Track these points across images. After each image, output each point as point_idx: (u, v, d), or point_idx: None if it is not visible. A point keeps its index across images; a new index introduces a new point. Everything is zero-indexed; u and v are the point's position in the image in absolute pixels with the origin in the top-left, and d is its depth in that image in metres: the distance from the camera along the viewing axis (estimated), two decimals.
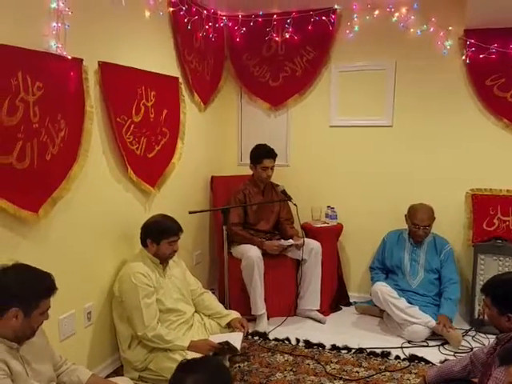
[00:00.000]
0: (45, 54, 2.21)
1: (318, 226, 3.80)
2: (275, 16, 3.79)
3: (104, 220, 2.75)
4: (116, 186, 2.84)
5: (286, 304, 3.64)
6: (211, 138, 4.05)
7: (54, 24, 2.23)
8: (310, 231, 3.79)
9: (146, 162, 3.03)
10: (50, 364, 1.94)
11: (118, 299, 2.71)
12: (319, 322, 3.58)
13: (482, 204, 3.57)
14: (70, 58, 2.31)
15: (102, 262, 2.76)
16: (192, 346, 2.60)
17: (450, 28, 3.44)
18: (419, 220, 3.41)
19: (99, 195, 2.69)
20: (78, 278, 2.57)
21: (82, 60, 2.43)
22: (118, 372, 2.79)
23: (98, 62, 2.58)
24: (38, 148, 2.21)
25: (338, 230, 3.85)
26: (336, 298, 3.85)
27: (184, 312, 2.82)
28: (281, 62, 3.96)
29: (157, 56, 3.16)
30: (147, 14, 2.97)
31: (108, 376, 2.71)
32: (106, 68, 2.62)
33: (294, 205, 3.53)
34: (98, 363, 2.76)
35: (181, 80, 3.42)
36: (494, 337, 2.02)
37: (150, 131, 3.04)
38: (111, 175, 2.79)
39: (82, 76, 2.45)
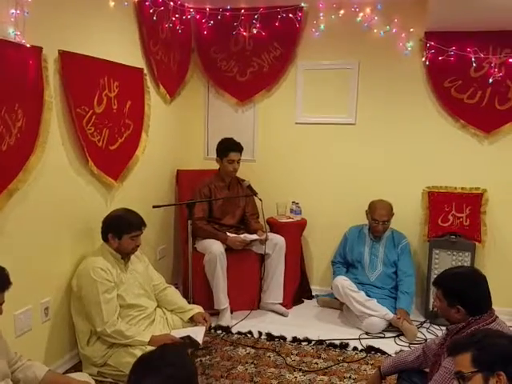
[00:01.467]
0: (2, 41, 2.14)
1: (283, 220, 3.84)
2: (243, 11, 3.78)
3: (63, 213, 2.69)
4: (76, 179, 2.78)
5: (249, 298, 3.68)
6: (177, 132, 4.02)
7: (13, 11, 2.17)
8: (274, 226, 3.83)
9: (108, 155, 2.98)
10: (3, 360, 1.90)
11: (77, 294, 2.67)
12: (282, 315, 3.63)
13: (438, 201, 3.68)
14: (28, 46, 2.25)
15: (60, 256, 2.70)
16: (153, 341, 2.58)
17: (412, 30, 3.53)
18: (378, 215, 3.51)
19: (58, 187, 2.64)
20: (34, 272, 2.51)
21: (41, 48, 2.37)
22: (77, 368, 2.76)
23: (59, 50, 2.51)
24: None
25: (302, 225, 3.90)
26: (298, 291, 3.91)
27: (146, 307, 2.80)
28: (248, 58, 3.97)
29: (121, 46, 3.10)
30: (111, 3, 2.92)
31: (66, 372, 2.67)
32: (66, 57, 2.56)
33: (260, 200, 3.55)
34: (55, 359, 2.72)
35: (146, 71, 3.37)
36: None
37: (112, 123, 2.98)
38: (71, 167, 2.73)
39: (41, 65, 2.38)
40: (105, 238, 2.73)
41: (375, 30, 3.57)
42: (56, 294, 2.70)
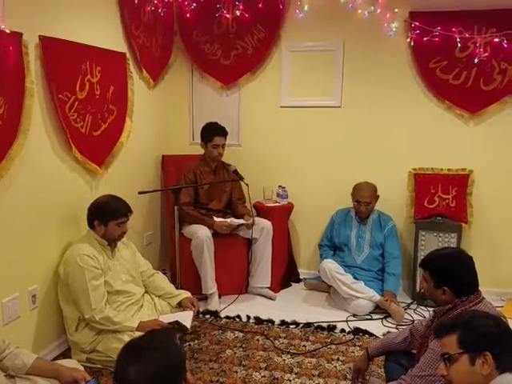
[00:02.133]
0: None
1: (270, 205, 3.84)
2: None
3: (48, 200, 2.66)
4: (60, 166, 2.74)
5: (237, 282, 3.69)
6: (162, 116, 3.97)
7: None
8: (261, 210, 3.83)
9: (92, 141, 2.94)
10: None
11: (64, 281, 2.66)
12: (270, 298, 3.65)
13: (424, 182, 3.70)
14: (8, 31, 2.20)
15: (46, 244, 2.68)
16: (141, 327, 2.59)
17: (396, 10, 3.47)
18: (360, 197, 3.53)
19: (42, 175, 2.60)
20: (21, 260, 2.49)
21: (21, 34, 2.31)
22: (66, 354, 2.76)
23: (39, 36, 2.46)
24: None
25: (288, 208, 3.90)
26: (286, 275, 3.94)
27: (133, 293, 2.80)
28: (232, 40, 3.92)
29: (102, 30, 3.04)
30: None
31: (55, 359, 2.67)
32: (47, 42, 2.50)
33: (246, 184, 3.55)
34: (44, 346, 2.72)
35: (128, 55, 3.31)
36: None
37: (95, 108, 2.94)
38: (54, 154, 2.69)
39: (21, 51, 2.33)
40: (91, 225, 2.71)
41: (359, 11, 3.51)
42: (43, 281, 2.68)
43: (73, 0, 2.72)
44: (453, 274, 1.93)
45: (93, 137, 2.95)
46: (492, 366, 1.35)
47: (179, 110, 4.17)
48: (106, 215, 2.66)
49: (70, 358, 2.63)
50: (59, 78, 2.62)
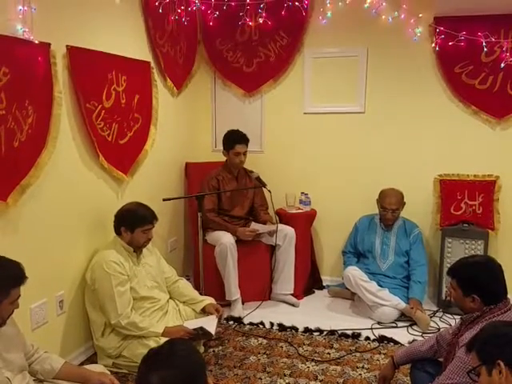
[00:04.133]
0: (11, 38, 2.15)
1: (292, 211, 3.83)
2: (248, 0, 3.74)
3: (75, 208, 2.72)
4: (87, 173, 2.80)
5: (260, 289, 3.69)
6: (185, 124, 4.01)
7: (20, 7, 2.16)
8: (284, 217, 3.82)
9: (118, 149, 3.00)
10: (21, 353, 1.94)
11: (91, 287, 2.70)
12: (293, 305, 3.64)
13: (450, 189, 3.65)
14: (37, 42, 2.25)
15: (73, 250, 2.73)
16: (166, 333, 2.62)
17: (421, 15, 3.46)
18: (387, 203, 3.49)
19: (70, 182, 2.66)
20: (49, 266, 2.54)
21: (49, 44, 2.38)
22: (92, 359, 2.80)
23: (67, 46, 2.52)
24: (6, 135, 2.16)
25: (311, 215, 3.89)
26: (309, 281, 3.92)
27: (158, 299, 2.83)
28: (254, 48, 3.95)
29: (127, 40, 3.10)
30: None
31: (82, 363, 2.71)
32: (74, 52, 2.56)
33: (268, 191, 3.55)
34: (71, 351, 2.76)
35: (153, 64, 3.37)
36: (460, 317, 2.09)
37: (121, 117, 2.99)
38: (82, 162, 2.75)
39: (49, 61, 2.39)
40: (117, 232, 2.75)
41: (383, 17, 3.50)
42: (70, 287, 2.73)
43: (99, 10, 2.79)
44: (482, 282, 1.91)
45: (119, 145, 3.00)
46: (506, 372, 1.33)
47: (202, 118, 4.21)
48: (133, 222, 2.70)
49: (97, 363, 2.67)
50: (86, 88, 2.67)
